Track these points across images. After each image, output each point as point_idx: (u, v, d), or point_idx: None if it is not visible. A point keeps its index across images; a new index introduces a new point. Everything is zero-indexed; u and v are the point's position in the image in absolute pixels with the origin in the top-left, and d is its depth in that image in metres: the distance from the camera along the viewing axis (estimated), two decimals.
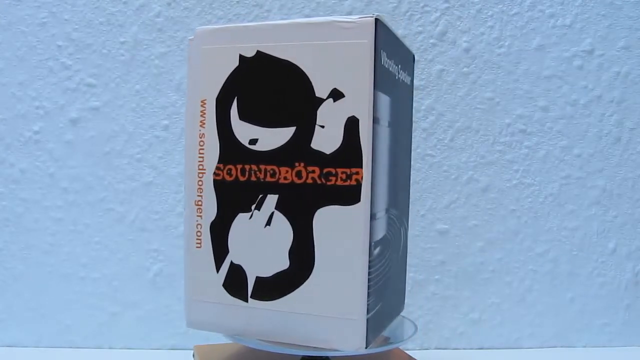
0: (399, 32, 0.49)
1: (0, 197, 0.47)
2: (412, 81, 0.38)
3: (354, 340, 0.30)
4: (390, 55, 0.32)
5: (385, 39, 0.31)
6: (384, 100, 0.31)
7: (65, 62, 0.47)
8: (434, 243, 0.50)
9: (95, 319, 0.48)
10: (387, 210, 0.33)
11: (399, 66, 0.34)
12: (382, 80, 0.31)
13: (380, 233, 0.31)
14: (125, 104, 0.47)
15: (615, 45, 0.51)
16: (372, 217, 0.30)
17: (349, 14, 0.48)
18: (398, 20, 0.49)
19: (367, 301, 0.30)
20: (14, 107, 0.47)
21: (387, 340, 0.34)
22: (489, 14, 0.50)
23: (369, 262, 0.30)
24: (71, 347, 0.47)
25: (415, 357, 0.38)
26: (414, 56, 0.38)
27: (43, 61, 0.47)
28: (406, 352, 0.39)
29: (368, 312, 0.30)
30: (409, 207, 0.39)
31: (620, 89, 0.52)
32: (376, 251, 0.31)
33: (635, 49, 0.52)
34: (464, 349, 0.51)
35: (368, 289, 0.30)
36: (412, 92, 0.38)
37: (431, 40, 0.49)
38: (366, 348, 0.30)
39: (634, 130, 0.52)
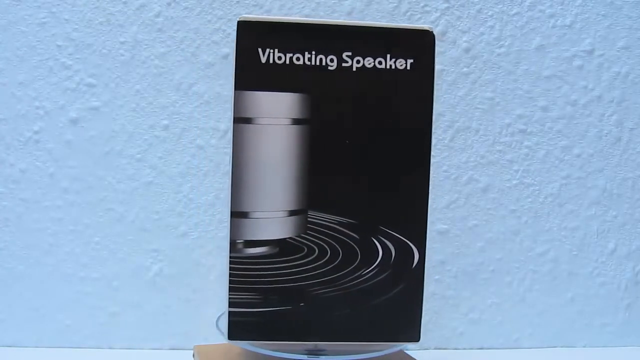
0: None
1: (0, 197, 0.47)
2: (415, 65, 0.35)
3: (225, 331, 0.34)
4: (297, 48, 0.33)
5: (274, 36, 0.33)
6: (273, 98, 0.33)
7: (65, 62, 0.47)
8: (434, 243, 0.50)
9: (95, 319, 0.48)
10: (295, 213, 0.34)
11: (345, 54, 0.34)
12: (267, 78, 0.33)
13: (265, 234, 0.33)
14: (125, 104, 0.47)
15: (615, 45, 0.51)
16: (243, 215, 0.33)
17: (349, 14, 0.48)
18: (398, 20, 0.49)
19: (230, 295, 0.33)
20: (14, 107, 0.47)
21: (389, 344, 0.35)
22: (489, 14, 0.50)
23: (233, 258, 0.33)
24: (71, 347, 0.47)
25: (415, 357, 0.38)
26: (433, 36, 0.34)
27: (43, 61, 0.47)
28: (406, 352, 0.39)
29: (232, 306, 0.33)
30: (413, 216, 0.37)
31: (620, 89, 0.52)
32: (257, 250, 0.33)
33: (635, 49, 0.52)
34: (464, 349, 0.51)
35: (233, 284, 0.33)
36: (418, 77, 0.35)
37: None
38: (229, 341, 0.34)
39: (634, 130, 0.52)
